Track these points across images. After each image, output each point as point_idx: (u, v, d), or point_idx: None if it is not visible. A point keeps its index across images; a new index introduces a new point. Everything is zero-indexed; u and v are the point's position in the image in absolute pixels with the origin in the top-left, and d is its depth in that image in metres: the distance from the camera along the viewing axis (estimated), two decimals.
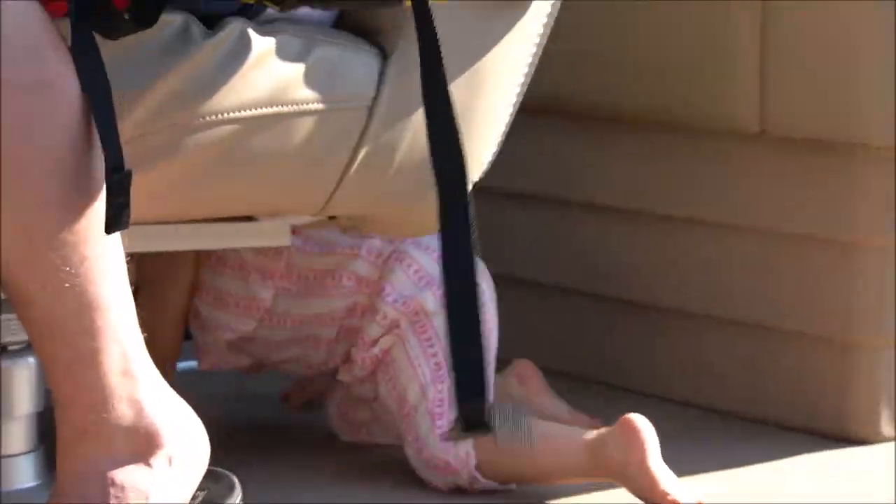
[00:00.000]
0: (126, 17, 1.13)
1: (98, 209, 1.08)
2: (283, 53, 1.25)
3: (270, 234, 1.43)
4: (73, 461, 1.13)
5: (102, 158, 1.08)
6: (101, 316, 1.10)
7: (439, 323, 1.59)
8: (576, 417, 1.75)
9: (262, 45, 1.24)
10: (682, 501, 1.45)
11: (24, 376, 1.39)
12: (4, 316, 1.36)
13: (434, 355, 1.60)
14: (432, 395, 1.58)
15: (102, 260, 1.10)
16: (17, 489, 1.38)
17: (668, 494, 1.46)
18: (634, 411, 1.53)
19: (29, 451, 1.40)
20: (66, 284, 1.09)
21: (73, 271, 1.08)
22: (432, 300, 1.58)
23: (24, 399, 1.39)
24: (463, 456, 1.54)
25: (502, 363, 1.71)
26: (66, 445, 1.13)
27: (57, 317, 1.10)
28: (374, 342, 1.63)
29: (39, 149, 1.07)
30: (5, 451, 1.38)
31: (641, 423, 1.50)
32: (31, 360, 1.38)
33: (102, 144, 1.07)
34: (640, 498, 1.49)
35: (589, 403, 1.82)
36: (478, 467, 1.55)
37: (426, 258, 1.62)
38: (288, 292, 1.63)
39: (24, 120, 1.06)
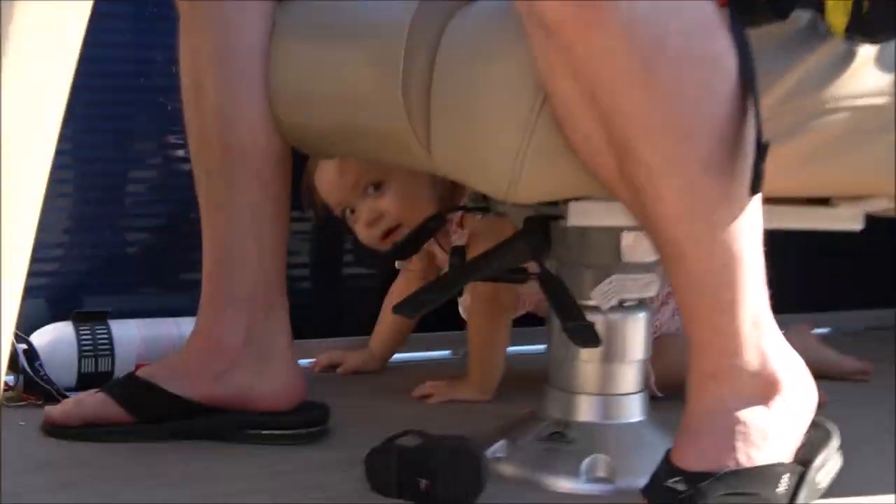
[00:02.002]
0: (765, 8, 1.15)
1: (745, 173, 1.11)
2: (883, 57, 1.25)
3: (845, 218, 1.42)
4: (704, 399, 1.18)
5: (751, 128, 1.10)
6: (740, 270, 1.14)
7: None
8: (843, 361, 1.90)
9: (866, 49, 1.26)
10: None
11: (637, 328, 1.44)
12: (619, 276, 1.40)
13: None
14: None
15: (745, 219, 1.13)
16: (628, 422, 1.42)
17: None
18: None
19: (637, 392, 1.45)
20: (717, 240, 1.12)
21: (722, 229, 1.12)
22: None
23: (636, 347, 1.44)
24: None
25: None
26: (698, 385, 1.18)
27: (704, 270, 1.15)
28: None
29: (706, 116, 1.11)
30: (620, 390, 1.41)
31: None
32: (642, 314, 1.42)
33: (755, 117, 1.09)
34: None
35: None
36: None
37: None
38: None
39: (695, 90, 1.10)
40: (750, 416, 1.17)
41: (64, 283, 1.83)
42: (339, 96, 1.30)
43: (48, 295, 1.81)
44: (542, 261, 1.37)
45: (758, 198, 1.14)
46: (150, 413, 1.50)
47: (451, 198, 1.73)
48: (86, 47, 0.95)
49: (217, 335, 1.51)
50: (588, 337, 1.31)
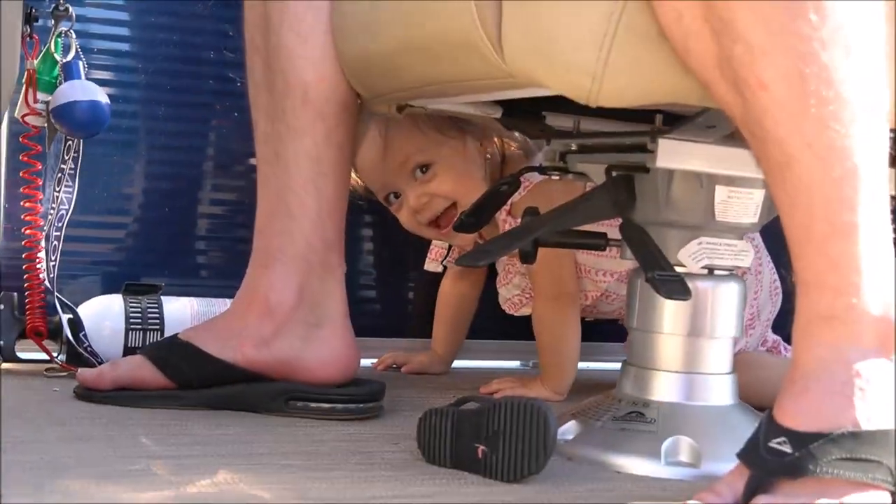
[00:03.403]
0: None
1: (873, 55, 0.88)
2: None
3: None
4: (817, 345, 0.95)
5: None
6: (860, 188, 0.92)
7: None
8: None
9: None
10: None
11: (729, 300, 1.23)
12: (709, 239, 1.19)
13: None
14: None
15: (870, 120, 0.89)
16: (716, 405, 1.18)
17: None
18: None
19: (727, 373, 1.24)
20: (833, 145, 0.90)
21: (842, 131, 0.88)
22: None
23: (727, 321, 1.23)
24: None
25: None
26: (810, 329, 0.95)
27: (816, 181, 0.93)
28: None
29: None
30: (707, 369, 1.19)
31: None
32: (735, 285, 1.18)
33: None
34: None
35: None
36: None
37: None
38: None
39: None
40: (870, 369, 0.93)
41: (122, 260, 1.69)
42: (404, 9, 1.09)
43: (104, 270, 1.68)
44: (625, 213, 1.14)
45: (887, 103, 0.90)
46: (189, 377, 1.31)
47: (502, 175, 1.58)
48: None
49: (264, 295, 1.32)
50: (675, 287, 1.07)
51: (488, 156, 1.58)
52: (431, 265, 1.75)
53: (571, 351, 1.54)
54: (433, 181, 1.56)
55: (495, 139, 1.60)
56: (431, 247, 1.74)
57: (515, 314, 1.68)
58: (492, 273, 1.72)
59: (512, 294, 1.67)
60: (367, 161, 1.58)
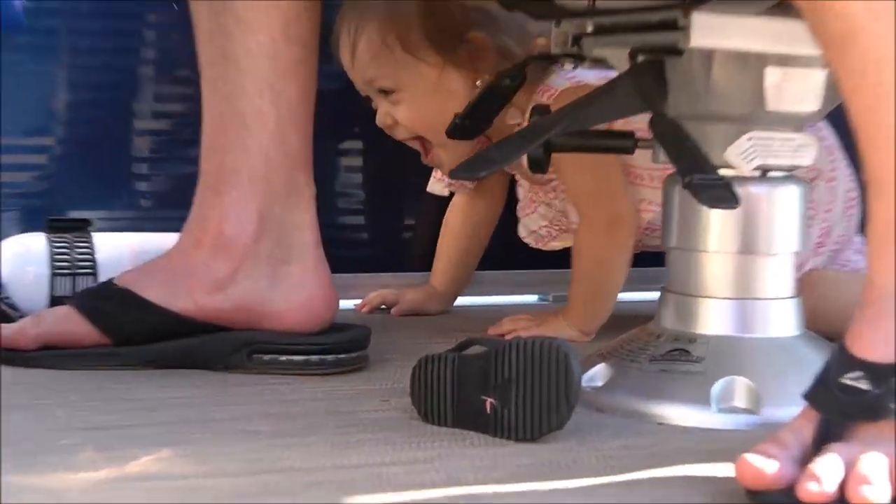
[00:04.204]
0: None
1: None
2: None
3: None
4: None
5: None
6: None
7: None
8: None
9: None
10: None
11: (790, 207, 1.21)
12: (761, 133, 1.18)
13: None
14: None
15: None
16: (777, 337, 1.19)
17: None
18: None
19: (790, 297, 1.21)
20: None
21: None
22: None
23: (787, 234, 1.21)
24: None
25: None
26: (885, 239, 0.95)
27: (885, 55, 0.91)
28: None
29: None
30: (765, 294, 1.19)
31: None
32: (796, 187, 1.15)
33: None
34: None
35: None
36: None
37: None
38: None
39: None
40: None
41: (44, 190, 1.69)
42: None
43: (22, 204, 1.68)
44: (655, 107, 1.11)
45: None
46: (129, 331, 1.29)
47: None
48: None
49: (217, 226, 1.30)
50: (721, 193, 1.04)
51: (478, 85, 1.54)
52: (437, 186, 1.74)
53: (613, 284, 1.53)
54: (397, 107, 1.57)
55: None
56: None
57: (543, 248, 1.67)
58: (511, 200, 1.70)
59: (538, 225, 1.66)
60: (341, 61, 1.58)
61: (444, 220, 1.75)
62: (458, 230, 1.74)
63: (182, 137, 1.71)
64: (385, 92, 1.57)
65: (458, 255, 1.73)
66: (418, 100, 1.56)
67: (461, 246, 1.73)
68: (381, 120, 1.59)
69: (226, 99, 1.28)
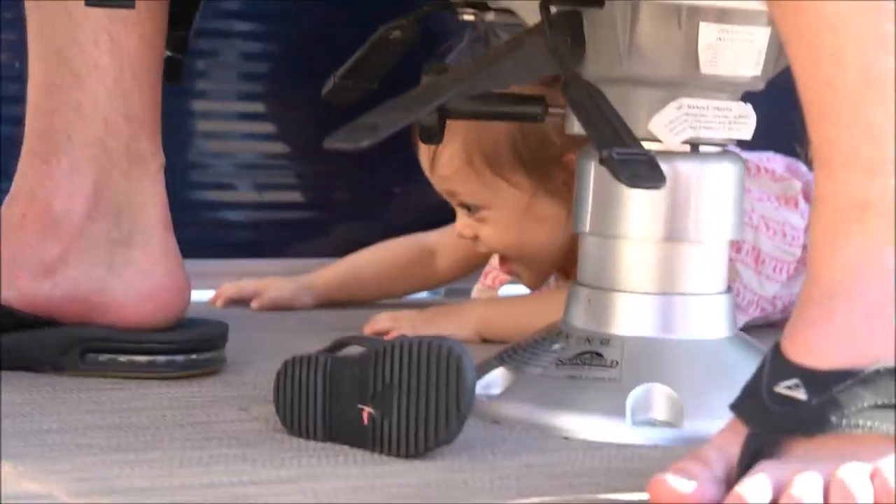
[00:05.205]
0: None
1: None
2: None
3: None
4: (845, 248, 0.99)
5: None
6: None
7: None
8: None
9: None
10: None
11: (724, 187, 1.26)
12: (692, 100, 1.22)
13: None
14: None
15: None
16: (705, 339, 1.23)
17: None
18: None
19: (721, 293, 1.28)
20: None
21: None
22: None
23: (721, 220, 1.26)
24: None
25: None
26: (835, 225, 1.02)
27: (844, 14, 0.95)
28: None
29: None
30: (692, 289, 1.25)
31: None
32: (732, 166, 1.21)
33: None
34: None
35: None
36: None
37: None
38: None
39: None
40: None
41: None
42: None
43: None
44: (568, 67, 1.15)
45: None
46: None
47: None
48: None
49: (45, 201, 1.33)
50: (643, 170, 1.09)
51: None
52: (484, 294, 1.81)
53: (530, 312, 1.57)
54: (481, 224, 1.66)
55: None
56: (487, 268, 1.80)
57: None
58: None
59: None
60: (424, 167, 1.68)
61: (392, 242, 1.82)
62: (399, 266, 1.81)
63: (5, 93, 1.73)
64: (468, 207, 1.65)
65: (372, 283, 1.80)
66: (505, 223, 1.65)
67: (382, 281, 1.80)
68: (461, 231, 1.68)
69: (53, 50, 1.31)
